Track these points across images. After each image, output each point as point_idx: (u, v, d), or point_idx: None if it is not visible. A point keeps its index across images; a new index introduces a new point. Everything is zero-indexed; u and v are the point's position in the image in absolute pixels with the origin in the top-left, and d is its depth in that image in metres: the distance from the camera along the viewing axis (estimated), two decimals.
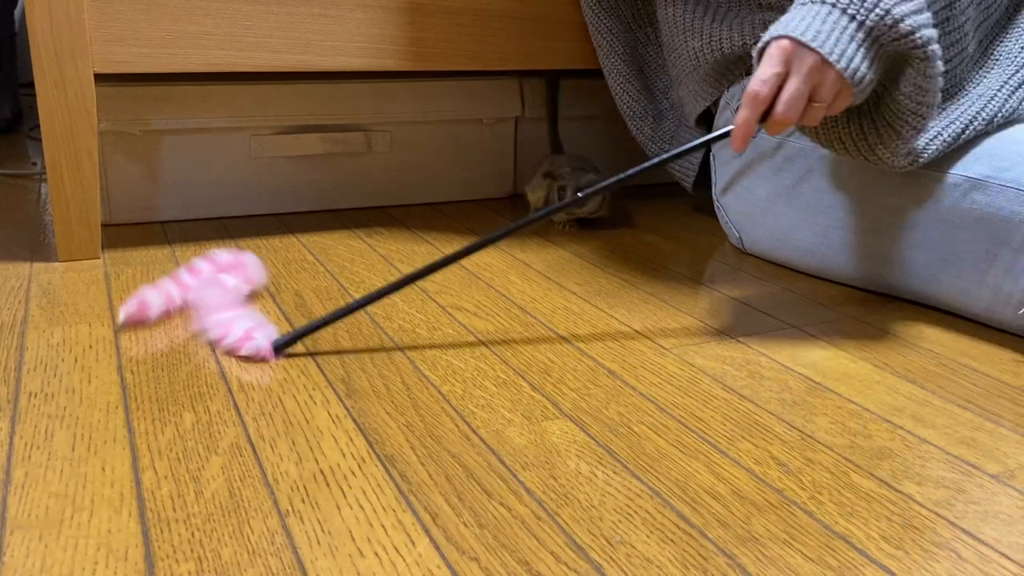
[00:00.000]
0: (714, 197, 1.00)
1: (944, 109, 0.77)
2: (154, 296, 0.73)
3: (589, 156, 1.27)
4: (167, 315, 0.74)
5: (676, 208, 1.19)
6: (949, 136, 0.74)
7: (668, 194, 1.27)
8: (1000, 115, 0.76)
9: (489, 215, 1.13)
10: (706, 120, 1.05)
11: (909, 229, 0.77)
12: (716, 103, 1.01)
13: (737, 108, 0.96)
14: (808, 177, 0.85)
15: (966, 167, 0.74)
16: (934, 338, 0.73)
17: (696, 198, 1.24)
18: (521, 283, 0.85)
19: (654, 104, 1.11)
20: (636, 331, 0.73)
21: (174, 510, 0.46)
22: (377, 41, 0.96)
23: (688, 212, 1.17)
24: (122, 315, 0.72)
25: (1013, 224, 0.70)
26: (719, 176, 0.99)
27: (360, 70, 0.98)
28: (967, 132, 0.74)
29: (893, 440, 0.55)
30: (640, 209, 1.18)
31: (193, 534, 0.44)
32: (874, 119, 0.70)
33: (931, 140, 0.74)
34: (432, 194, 1.19)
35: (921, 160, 0.74)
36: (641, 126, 1.10)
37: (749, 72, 0.96)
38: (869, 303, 0.81)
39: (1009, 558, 0.43)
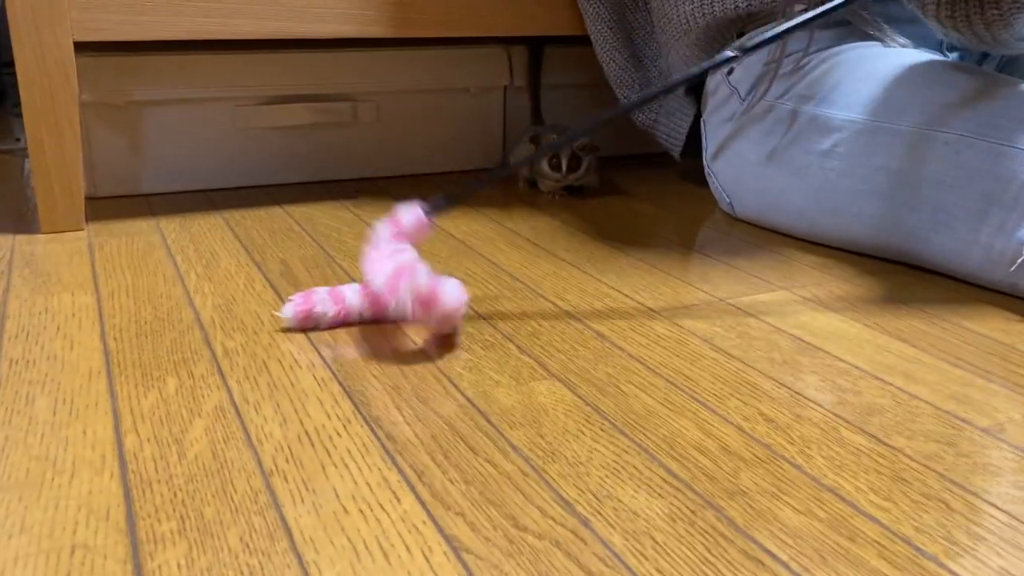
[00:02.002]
0: (705, 163, 1.00)
1: None
2: (324, 296, 0.65)
3: (574, 125, 1.26)
4: (340, 318, 0.65)
5: (665, 176, 1.18)
6: None
7: (656, 163, 1.26)
8: None
9: None
10: (695, 88, 1.04)
11: (900, 189, 0.76)
12: None
13: (731, 71, 0.95)
14: (798, 139, 0.85)
15: (956, 124, 0.73)
16: (925, 298, 0.72)
17: (684, 166, 1.23)
18: (510, 250, 0.84)
19: (642, 72, 1.10)
20: (626, 295, 0.72)
21: (156, 471, 0.45)
22: (362, 7, 0.95)
23: (677, 180, 1.16)
24: (288, 310, 0.64)
25: (1004, 181, 0.70)
26: (710, 141, 0.98)
27: (345, 37, 0.96)
28: None
29: (883, 397, 0.55)
30: (628, 178, 1.17)
31: (175, 494, 0.43)
32: None
33: None
34: (420, 164, 1.18)
35: None
36: (628, 94, 1.09)
37: (741, 35, 0.95)
38: (860, 264, 0.81)
39: (998, 507, 0.43)
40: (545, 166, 1.02)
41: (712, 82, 0.98)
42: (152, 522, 0.41)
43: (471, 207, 1.00)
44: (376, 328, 0.64)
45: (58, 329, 0.64)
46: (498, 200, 1.04)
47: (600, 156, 1.05)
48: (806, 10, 0.87)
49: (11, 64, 1.84)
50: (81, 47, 0.96)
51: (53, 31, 0.82)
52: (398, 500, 0.43)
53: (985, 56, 0.98)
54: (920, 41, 0.92)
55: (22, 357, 0.59)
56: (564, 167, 1.01)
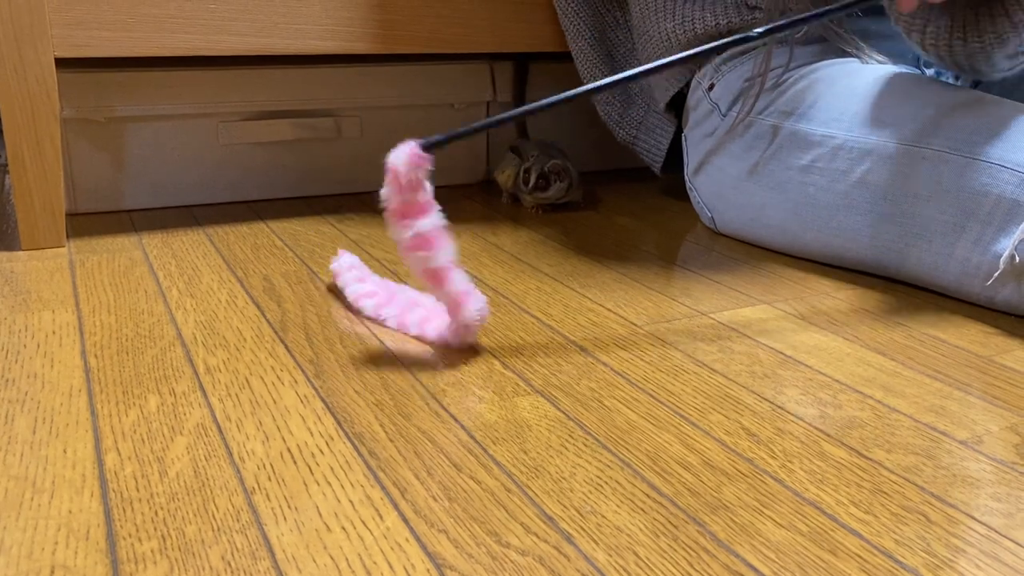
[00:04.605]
0: (686, 178, 1.00)
1: None
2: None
3: (557, 140, 1.26)
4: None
5: (646, 191, 1.19)
6: None
7: (638, 178, 1.27)
8: None
9: (462, 201, 1.12)
10: (676, 104, 1.05)
11: (878, 204, 0.77)
12: (687, 85, 1.01)
13: (711, 86, 0.96)
14: (778, 154, 0.86)
15: (933, 139, 0.74)
16: (904, 311, 0.73)
17: (666, 181, 1.24)
18: (493, 265, 0.85)
19: (622, 89, 1.10)
20: (608, 310, 0.73)
21: (137, 490, 0.45)
22: (345, 24, 0.95)
23: (658, 195, 1.17)
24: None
25: (981, 196, 0.71)
26: (691, 157, 0.99)
27: (328, 53, 0.97)
28: None
29: (863, 410, 0.55)
30: (610, 193, 1.18)
31: (157, 513, 0.43)
32: (991, 8, 0.70)
33: None
34: None
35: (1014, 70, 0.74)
36: (609, 111, 1.10)
37: (721, 52, 0.96)
38: (839, 278, 0.81)
39: (976, 519, 0.44)
40: (520, 183, 1.03)
41: (693, 98, 0.99)
42: (133, 541, 0.41)
43: (454, 222, 1.01)
44: (359, 343, 0.64)
45: (38, 347, 0.63)
46: (481, 215, 1.04)
47: (583, 171, 1.05)
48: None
49: None
50: (63, 63, 0.96)
51: (34, 47, 0.82)
52: (381, 517, 0.43)
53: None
54: (897, 57, 0.93)
55: (1, 376, 0.58)
56: (532, 184, 1.02)
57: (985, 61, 0.73)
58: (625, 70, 1.10)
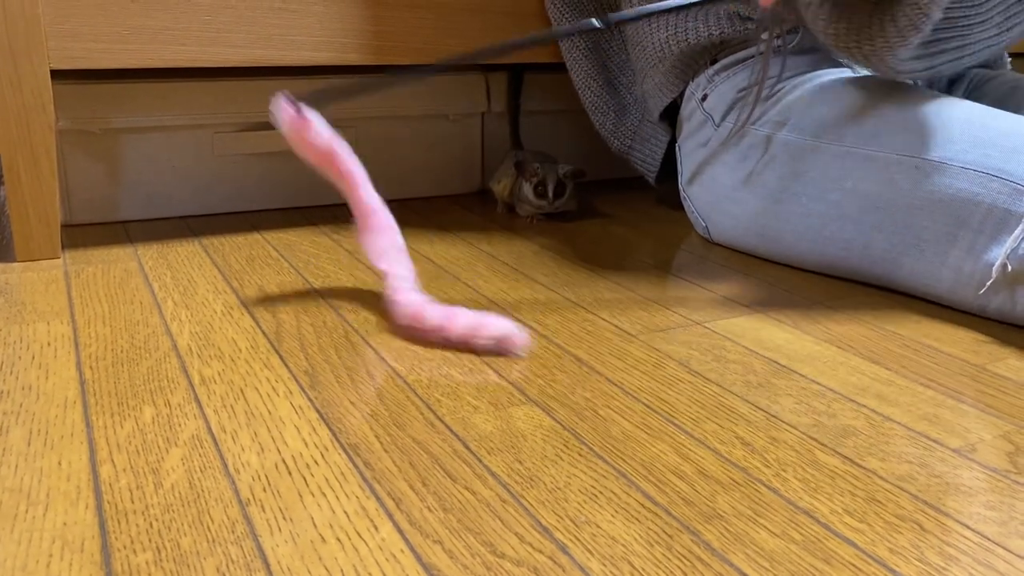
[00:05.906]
0: (680, 188, 1.01)
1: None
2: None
3: (552, 151, 1.27)
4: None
5: (641, 201, 1.19)
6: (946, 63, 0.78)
7: (633, 187, 1.27)
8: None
9: (457, 211, 1.12)
10: (670, 114, 1.05)
11: (871, 213, 0.78)
12: (681, 95, 1.01)
13: (705, 96, 0.96)
14: (771, 164, 0.86)
15: (926, 150, 0.75)
16: (897, 320, 0.74)
17: (659, 191, 1.25)
18: (488, 275, 0.85)
19: (617, 99, 1.11)
20: (603, 319, 0.73)
21: (132, 502, 0.45)
22: (339, 36, 0.96)
23: (653, 205, 1.17)
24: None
25: (972, 205, 0.71)
26: (685, 167, 0.99)
27: (322, 65, 0.97)
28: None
29: (857, 418, 0.56)
30: (606, 202, 1.18)
31: (151, 524, 0.43)
32: (882, 11, 0.72)
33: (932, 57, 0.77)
34: (399, 190, 1.18)
35: (917, 73, 0.78)
36: (603, 121, 1.10)
37: (714, 62, 0.96)
38: (833, 288, 0.82)
39: (970, 527, 0.44)
40: (531, 194, 1.03)
41: (686, 108, 0.99)
42: (128, 553, 0.41)
43: (450, 232, 1.01)
44: (354, 353, 0.65)
45: (33, 358, 0.63)
46: (477, 225, 1.05)
47: (577, 181, 1.06)
48: (778, 37, 0.89)
49: None
50: (58, 75, 0.96)
51: (30, 59, 0.82)
52: (376, 528, 0.43)
53: (952, 83, 1.00)
54: None
55: None
56: (551, 193, 1.02)
57: (886, 61, 0.75)
58: (619, 80, 1.11)
